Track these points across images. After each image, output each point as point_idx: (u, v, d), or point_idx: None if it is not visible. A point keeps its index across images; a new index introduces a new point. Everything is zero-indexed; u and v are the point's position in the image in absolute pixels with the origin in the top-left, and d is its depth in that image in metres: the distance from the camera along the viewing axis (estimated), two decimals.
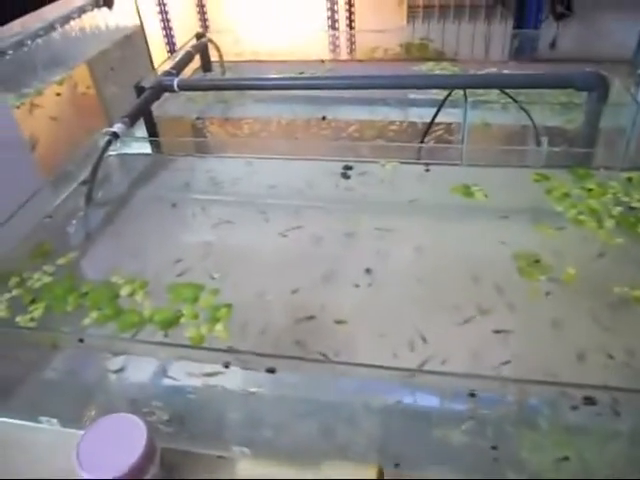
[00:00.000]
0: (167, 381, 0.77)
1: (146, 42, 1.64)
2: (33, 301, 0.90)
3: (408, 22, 3.42)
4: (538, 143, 1.11)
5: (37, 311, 0.88)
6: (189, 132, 1.42)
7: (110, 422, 0.69)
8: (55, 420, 0.76)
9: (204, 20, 3.56)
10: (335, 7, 3.16)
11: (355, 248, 1.00)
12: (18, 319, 0.87)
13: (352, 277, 0.93)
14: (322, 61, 1.65)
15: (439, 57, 2.92)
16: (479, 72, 1.42)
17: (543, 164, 1.09)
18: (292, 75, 1.36)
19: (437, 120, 1.30)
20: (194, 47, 1.45)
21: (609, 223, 0.93)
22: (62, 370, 0.81)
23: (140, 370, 0.78)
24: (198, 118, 1.42)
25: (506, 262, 0.89)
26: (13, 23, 1.20)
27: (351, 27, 3.43)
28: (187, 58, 1.39)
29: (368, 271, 0.95)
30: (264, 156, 1.24)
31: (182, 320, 0.84)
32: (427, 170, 1.12)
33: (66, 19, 1.35)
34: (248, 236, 1.05)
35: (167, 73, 1.30)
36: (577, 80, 1.05)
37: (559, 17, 3.21)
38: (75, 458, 0.61)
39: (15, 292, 0.92)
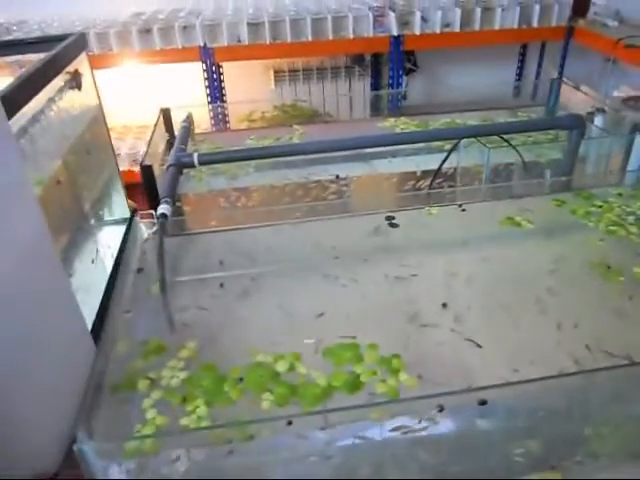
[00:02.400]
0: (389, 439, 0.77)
1: (105, 121, 1.56)
2: (185, 400, 0.82)
3: (276, 86, 3.64)
4: (541, 174, 1.33)
5: (200, 408, 0.81)
6: (205, 207, 1.38)
7: None
8: None
9: None
10: (213, 77, 3.23)
11: (429, 287, 1.09)
12: (184, 421, 0.79)
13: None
14: (290, 126, 1.73)
15: (314, 115, 3.17)
16: (483, 123, 1.62)
17: (548, 192, 1.31)
18: (312, 140, 1.41)
19: (421, 166, 1.47)
20: (187, 121, 1.43)
21: (633, 229, 1.16)
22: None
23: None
24: (210, 191, 1.40)
25: (587, 271, 1.06)
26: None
27: (222, 97, 3.53)
28: (187, 133, 1.37)
29: (444, 305, 1.05)
30: (302, 220, 1.27)
31: (362, 379, 0.84)
32: (463, 210, 1.26)
33: (52, 102, 1.25)
34: (333, 294, 1.08)
35: (179, 149, 1.28)
36: (563, 122, 1.30)
37: (407, 72, 3.70)
38: None
39: (155, 395, 0.83)
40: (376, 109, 2.95)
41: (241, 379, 0.85)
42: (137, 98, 3.24)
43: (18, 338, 0.83)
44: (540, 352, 0.92)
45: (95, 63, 2.62)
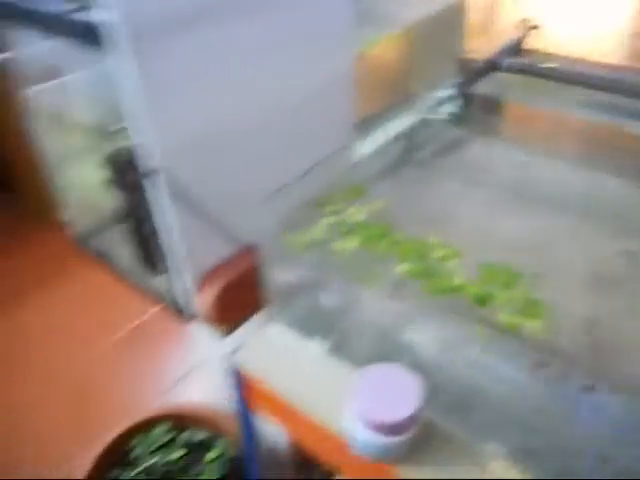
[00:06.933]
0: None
1: (463, 18, 1.62)
2: (348, 233, 0.94)
3: None
4: None
5: (351, 243, 0.92)
6: (500, 115, 1.37)
7: (384, 371, 0.71)
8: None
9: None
10: None
11: None
12: (333, 245, 0.92)
13: None
14: None
15: None
16: None
17: None
18: None
19: None
20: (523, 33, 1.40)
21: None
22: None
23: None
24: (512, 103, 1.37)
25: None
26: None
27: None
28: (516, 45, 1.35)
29: None
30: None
31: (494, 302, 0.81)
32: None
33: None
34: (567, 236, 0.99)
35: (499, 54, 1.28)
36: None
37: None
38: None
39: (331, 220, 0.97)
40: None
41: (398, 243, 0.92)
42: None
43: None
44: None
45: None
